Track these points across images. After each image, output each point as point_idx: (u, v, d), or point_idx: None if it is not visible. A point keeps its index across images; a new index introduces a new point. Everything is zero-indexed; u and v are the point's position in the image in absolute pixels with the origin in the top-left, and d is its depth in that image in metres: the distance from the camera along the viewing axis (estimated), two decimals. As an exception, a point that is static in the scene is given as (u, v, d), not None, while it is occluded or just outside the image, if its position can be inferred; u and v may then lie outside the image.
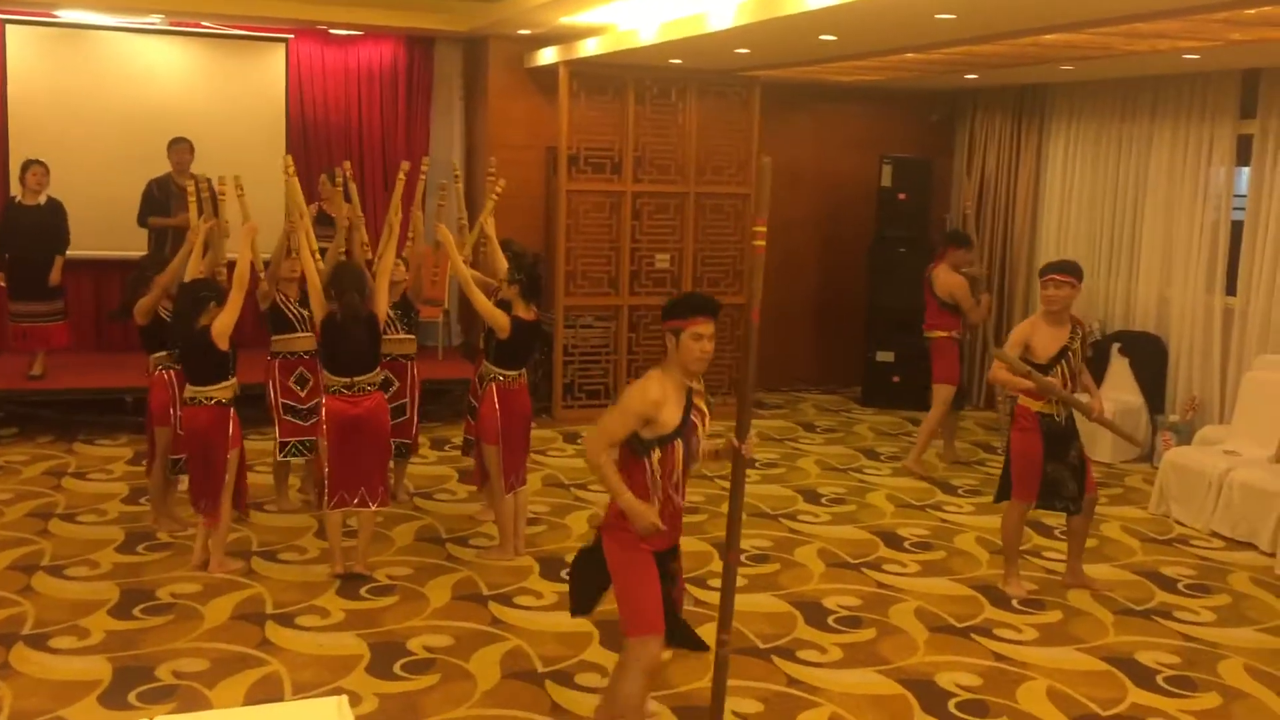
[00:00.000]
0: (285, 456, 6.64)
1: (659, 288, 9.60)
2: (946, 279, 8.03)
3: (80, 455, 7.80)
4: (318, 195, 8.72)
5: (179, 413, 6.01)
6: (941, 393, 8.08)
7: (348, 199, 6.70)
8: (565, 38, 8.93)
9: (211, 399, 5.70)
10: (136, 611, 5.30)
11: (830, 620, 5.47)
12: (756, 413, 9.61)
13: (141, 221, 8.50)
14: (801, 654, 5.08)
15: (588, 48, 8.58)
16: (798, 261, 10.73)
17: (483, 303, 5.94)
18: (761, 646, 5.14)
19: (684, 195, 9.55)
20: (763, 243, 3.91)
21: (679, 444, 3.84)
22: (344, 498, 5.67)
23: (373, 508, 5.74)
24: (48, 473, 7.37)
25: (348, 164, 6.79)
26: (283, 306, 6.51)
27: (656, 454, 3.84)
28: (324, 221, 8.57)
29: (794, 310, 10.80)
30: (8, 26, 9.07)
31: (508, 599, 5.61)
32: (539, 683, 4.74)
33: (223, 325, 5.64)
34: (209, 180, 6.45)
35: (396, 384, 6.53)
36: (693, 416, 3.88)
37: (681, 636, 4.08)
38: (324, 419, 5.66)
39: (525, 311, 5.98)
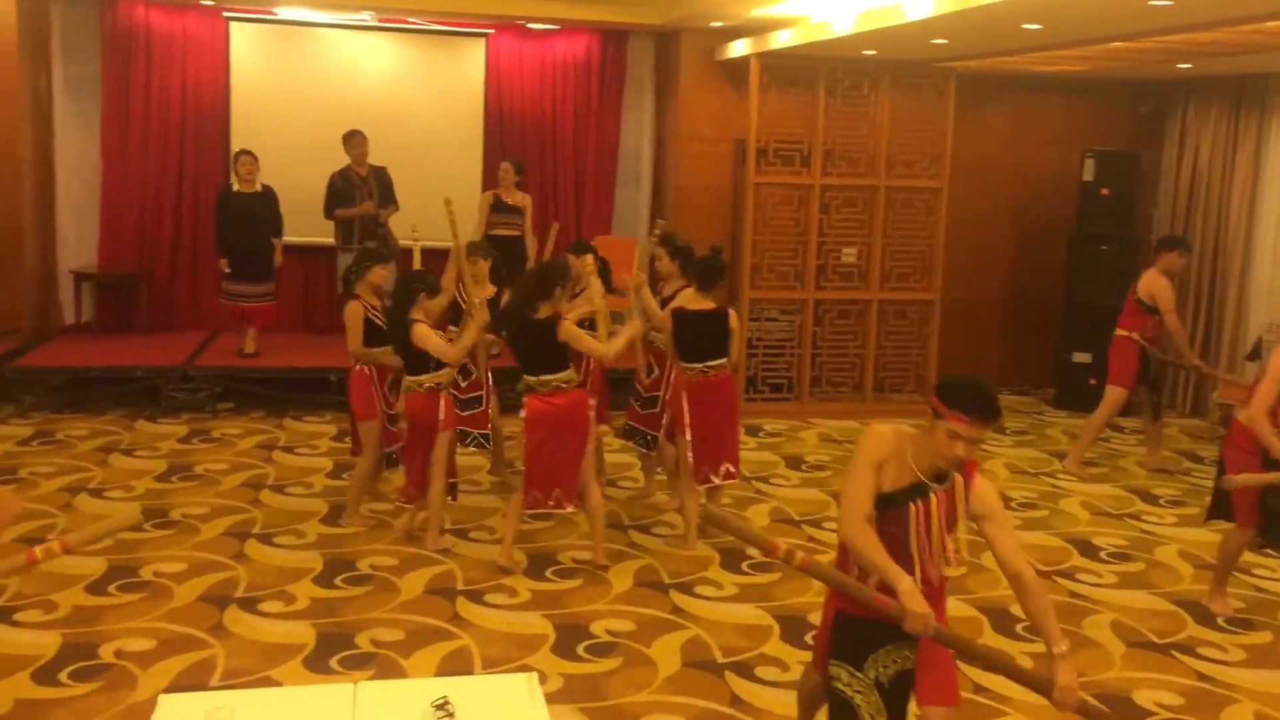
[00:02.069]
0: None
1: (845, 282, 9.49)
2: (1151, 279, 7.64)
3: (289, 430, 8.25)
4: (496, 181, 8.96)
5: (384, 406, 6.24)
6: (1113, 395, 7.73)
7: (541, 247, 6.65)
8: (757, 30, 8.91)
9: (424, 385, 5.92)
10: (338, 581, 5.58)
11: (1019, 628, 5.30)
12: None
13: (328, 214, 8.86)
14: (988, 661, 4.95)
15: (780, 39, 8.54)
16: (989, 257, 10.43)
17: (639, 328, 6.07)
18: (947, 650, 5.03)
19: (874, 189, 9.40)
20: None
21: (871, 516, 3.33)
22: (537, 498, 5.69)
23: (567, 509, 5.79)
24: (259, 446, 7.83)
25: (556, 226, 6.66)
26: (457, 299, 6.70)
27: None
28: (500, 209, 8.82)
29: (984, 307, 10.50)
30: (232, 24, 9.64)
31: (689, 588, 5.65)
32: (719, 673, 4.77)
33: (420, 334, 5.80)
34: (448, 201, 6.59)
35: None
36: (911, 502, 3.31)
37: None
38: (524, 417, 5.72)
39: (697, 303, 6.04)
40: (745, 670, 4.80)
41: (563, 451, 5.67)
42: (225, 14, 9.59)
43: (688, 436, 6.12)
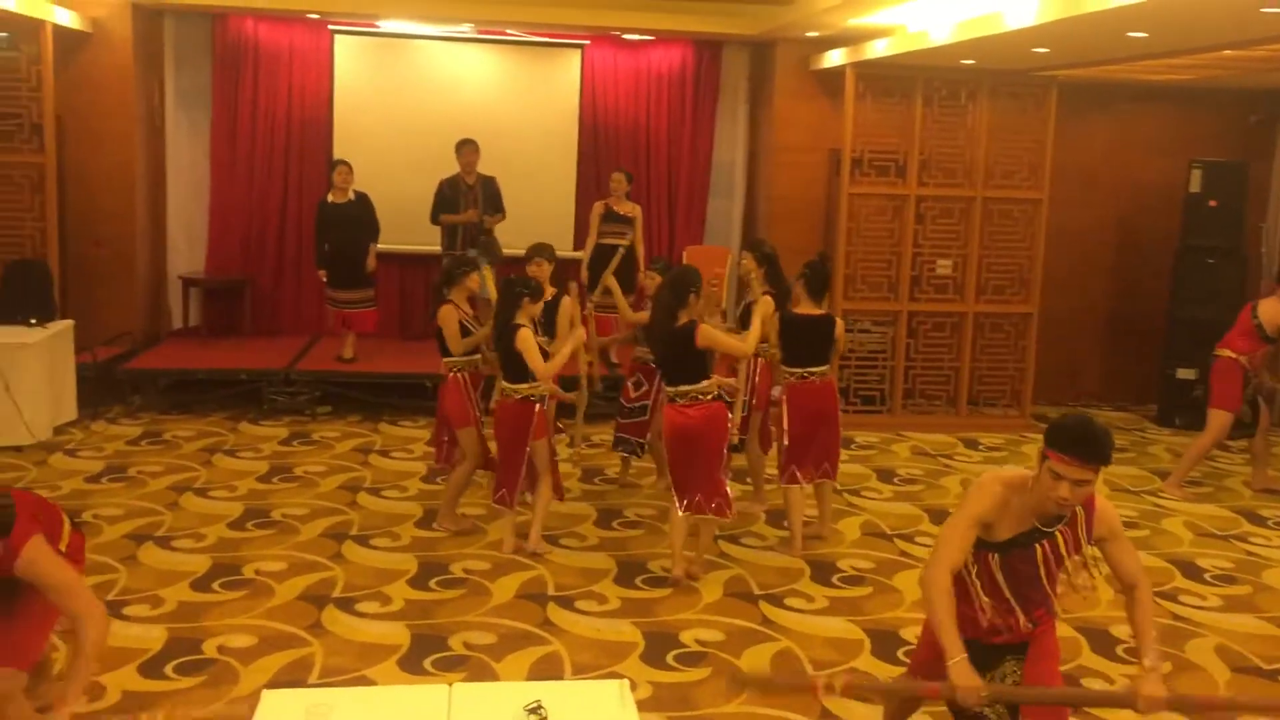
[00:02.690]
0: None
1: (940, 294, 9.37)
2: (1276, 310, 7.35)
3: (385, 434, 8.40)
4: (608, 191, 9.03)
5: (476, 412, 6.32)
6: (1218, 419, 7.46)
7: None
8: (853, 39, 8.85)
9: (519, 394, 5.98)
10: (432, 583, 5.67)
11: (1119, 650, 5.18)
12: (1038, 426, 9.21)
13: (434, 219, 9.02)
14: (1087, 681, 4.85)
15: (876, 49, 8.47)
16: (1089, 269, 10.22)
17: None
18: (1042, 671, 4.94)
19: (970, 200, 9.27)
20: None
21: (994, 559, 3.35)
22: (693, 503, 5.70)
23: (707, 514, 5.76)
24: (356, 449, 7.99)
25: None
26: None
27: (970, 559, 3.37)
28: (610, 218, 8.88)
29: (1084, 320, 10.29)
30: (337, 37, 9.89)
31: (778, 600, 5.63)
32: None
33: (524, 340, 5.86)
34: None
35: (646, 386, 6.85)
36: (1039, 543, 3.33)
37: None
38: (664, 428, 5.78)
39: (805, 308, 6.12)
40: (835, 684, 4.76)
41: (696, 462, 5.66)
42: (330, 27, 9.84)
43: (785, 440, 6.18)
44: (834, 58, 9.15)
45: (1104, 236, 10.27)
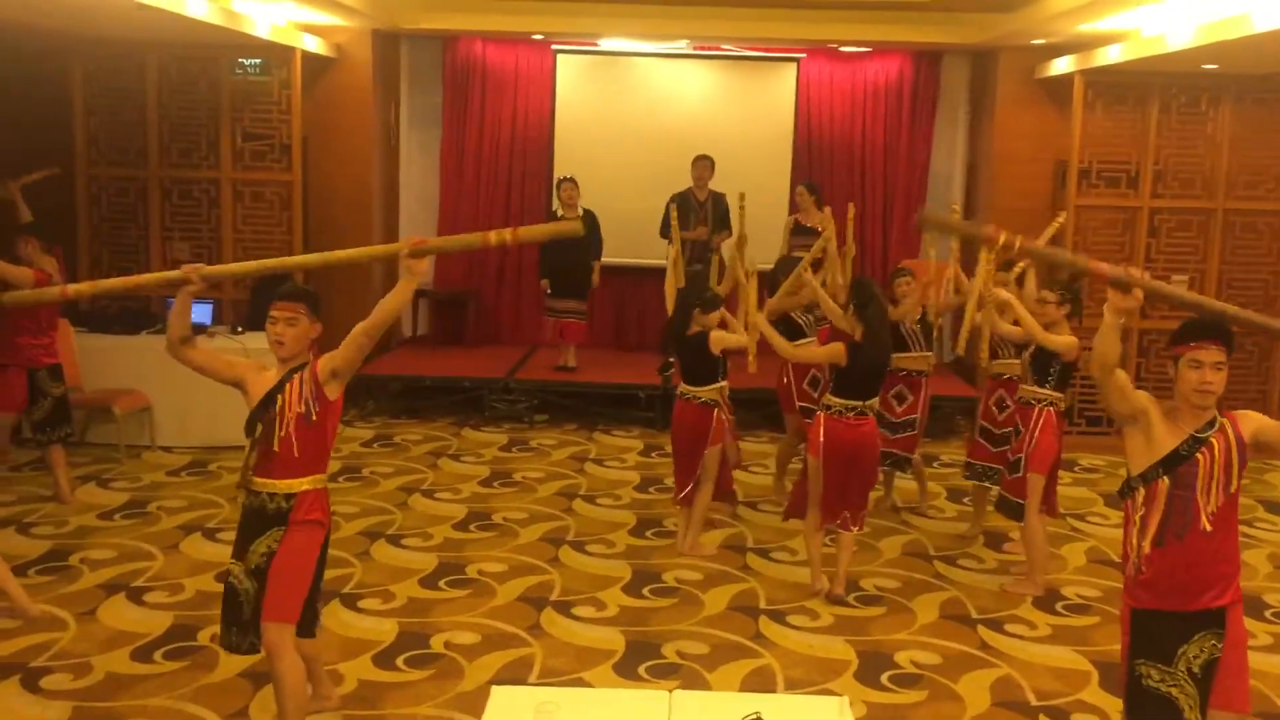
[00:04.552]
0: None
1: (1173, 311, 8.86)
2: None
3: (599, 443, 8.60)
4: (796, 206, 8.99)
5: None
6: None
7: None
8: (1082, 46, 8.53)
9: (699, 398, 6.08)
10: (645, 591, 5.76)
11: (1378, 698, 4.80)
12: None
13: (662, 233, 9.18)
14: (1341, 731, 4.52)
15: (1108, 55, 8.14)
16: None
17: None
18: (1291, 715, 4.63)
19: (1209, 212, 8.78)
20: None
21: (1164, 484, 3.42)
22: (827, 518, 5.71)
23: (854, 532, 5.75)
24: (572, 457, 8.20)
25: (852, 206, 7.15)
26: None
27: (1140, 495, 3.47)
28: (800, 232, 8.84)
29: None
30: (559, 56, 10.21)
31: (998, 625, 5.46)
32: (1032, 716, 4.59)
33: (718, 338, 6.00)
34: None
35: (910, 398, 6.62)
36: (1198, 453, 3.41)
37: None
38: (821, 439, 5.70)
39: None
40: (1060, 716, 4.59)
41: (853, 476, 5.65)
42: (553, 47, 10.16)
43: (1045, 470, 5.80)
44: (1061, 65, 8.84)
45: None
